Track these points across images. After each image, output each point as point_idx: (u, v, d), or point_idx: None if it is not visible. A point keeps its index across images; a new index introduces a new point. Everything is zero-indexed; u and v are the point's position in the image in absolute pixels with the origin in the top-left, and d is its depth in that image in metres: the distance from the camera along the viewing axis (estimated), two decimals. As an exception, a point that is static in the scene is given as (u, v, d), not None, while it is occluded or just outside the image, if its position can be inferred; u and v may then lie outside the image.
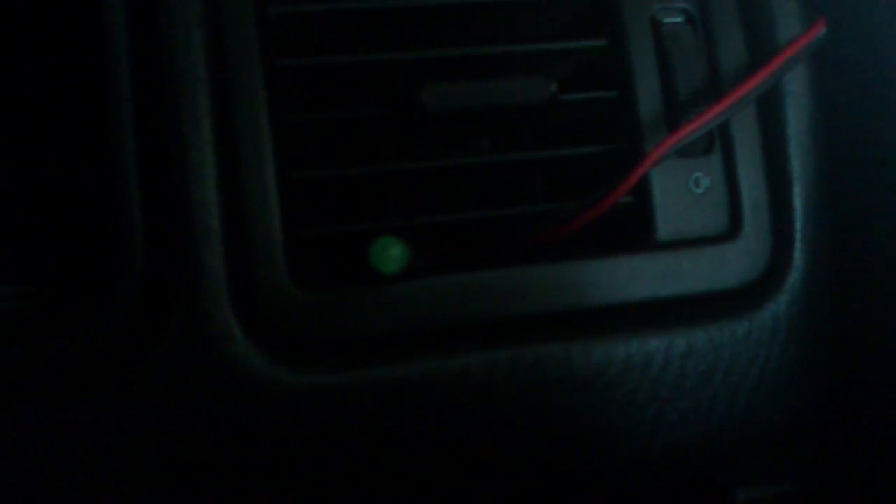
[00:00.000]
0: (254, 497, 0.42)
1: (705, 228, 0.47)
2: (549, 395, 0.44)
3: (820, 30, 0.46)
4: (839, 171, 0.49)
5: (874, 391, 0.51)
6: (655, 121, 0.46)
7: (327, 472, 0.43)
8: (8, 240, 0.45)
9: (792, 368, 0.48)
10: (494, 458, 0.45)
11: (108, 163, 0.41)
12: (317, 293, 0.42)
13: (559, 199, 0.47)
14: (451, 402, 0.43)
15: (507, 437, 0.44)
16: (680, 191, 0.47)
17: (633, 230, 0.47)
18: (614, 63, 0.47)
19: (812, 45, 0.46)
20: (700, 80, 0.47)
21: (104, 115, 0.41)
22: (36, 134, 0.46)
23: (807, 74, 0.48)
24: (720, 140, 0.47)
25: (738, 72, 0.47)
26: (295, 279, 0.42)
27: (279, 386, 0.42)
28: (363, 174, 0.45)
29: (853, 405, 0.51)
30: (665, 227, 0.47)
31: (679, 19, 0.48)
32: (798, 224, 0.48)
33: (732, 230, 0.47)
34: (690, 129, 0.44)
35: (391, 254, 0.38)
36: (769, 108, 0.48)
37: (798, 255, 0.48)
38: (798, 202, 0.48)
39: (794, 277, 0.47)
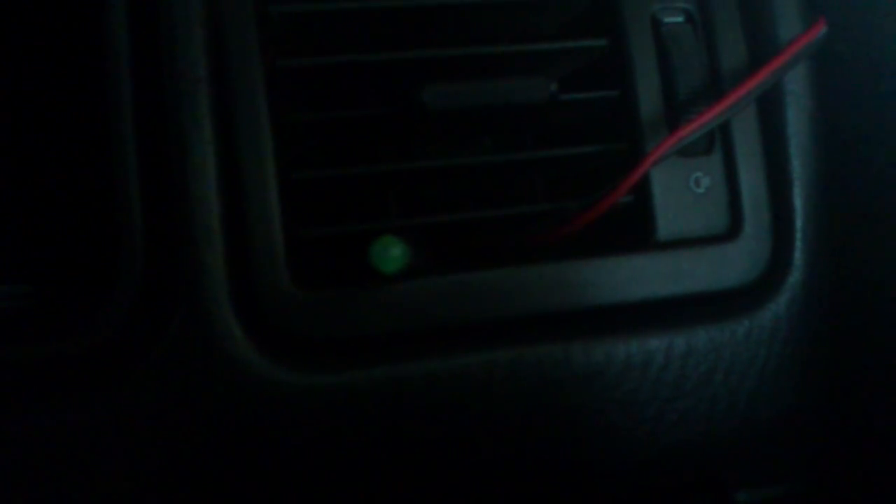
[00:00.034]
0: (254, 497, 0.42)
1: (705, 228, 0.47)
2: (549, 395, 0.44)
3: (820, 29, 0.46)
4: (839, 171, 0.49)
5: (874, 391, 0.51)
6: (656, 120, 0.46)
7: (327, 472, 0.43)
8: (8, 240, 0.45)
9: (792, 368, 0.48)
10: (494, 457, 0.45)
11: (109, 163, 0.41)
12: (317, 293, 0.42)
13: (559, 199, 0.47)
14: (451, 403, 0.43)
15: (507, 437, 0.44)
16: (680, 191, 0.47)
17: (634, 230, 0.47)
18: (614, 63, 0.47)
19: (812, 44, 0.46)
20: (700, 80, 0.47)
21: (105, 115, 0.41)
22: (36, 134, 0.46)
23: (807, 74, 0.48)
24: (720, 140, 0.47)
25: (738, 71, 0.47)
26: (295, 279, 0.42)
27: (279, 386, 0.42)
28: (363, 174, 0.44)
29: (853, 405, 0.51)
30: (665, 226, 0.47)
31: (679, 19, 0.48)
32: (798, 224, 0.48)
33: (733, 230, 0.47)
34: (691, 129, 0.44)
35: (391, 254, 0.38)
36: (769, 107, 0.48)
37: (798, 255, 0.48)
38: (798, 202, 0.48)
39: (794, 277, 0.47)
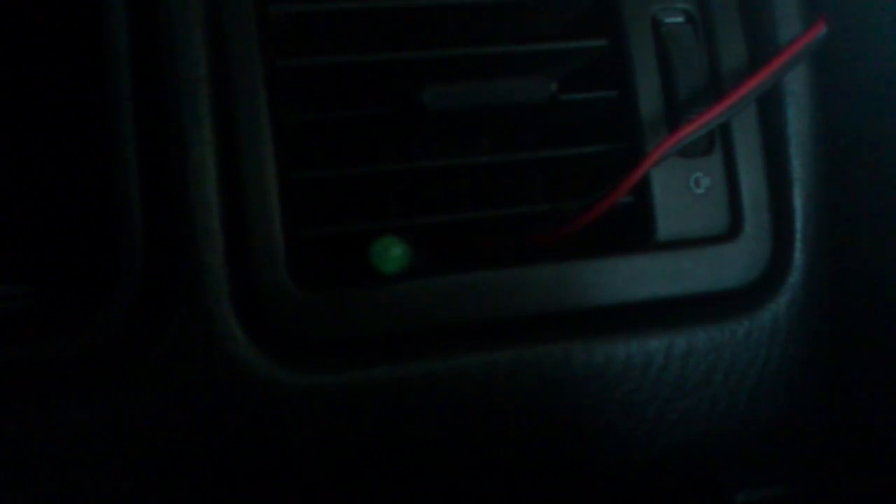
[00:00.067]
0: (254, 497, 0.42)
1: (705, 228, 0.47)
2: (550, 395, 0.44)
3: (820, 30, 0.46)
4: (839, 171, 0.49)
5: (874, 391, 0.51)
6: (656, 121, 0.46)
7: (327, 472, 0.43)
8: (8, 240, 0.45)
9: (792, 368, 0.48)
10: (494, 457, 0.45)
11: (109, 162, 0.41)
12: (317, 293, 0.42)
13: (559, 199, 0.47)
14: (451, 403, 0.43)
15: (507, 437, 0.44)
16: (680, 191, 0.47)
17: (634, 230, 0.47)
18: (615, 63, 0.47)
19: (812, 45, 0.46)
20: (700, 80, 0.47)
21: (105, 115, 0.41)
22: (36, 134, 0.46)
23: (807, 74, 0.48)
24: (720, 140, 0.47)
25: (738, 72, 0.47)
26: (296, 279, 0.42)
27: (280, 386, 0.42)
28: (364, 174, 0.44)
29: (853, 405, 0.51)
30: (665, 227, 0.47)
31: (680, 19, 0.48)
32: (798, 224, 0.48)
33: (733, 230, 0.47)
34: (691, 129, 0.44)
35: (392, 254, 0.38)
36: (769, 108, 0.48)
37: (798, 255, 0.48)
38: (798, 202, 0.48)
39: (794, 277, 0.47)
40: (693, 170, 0.47)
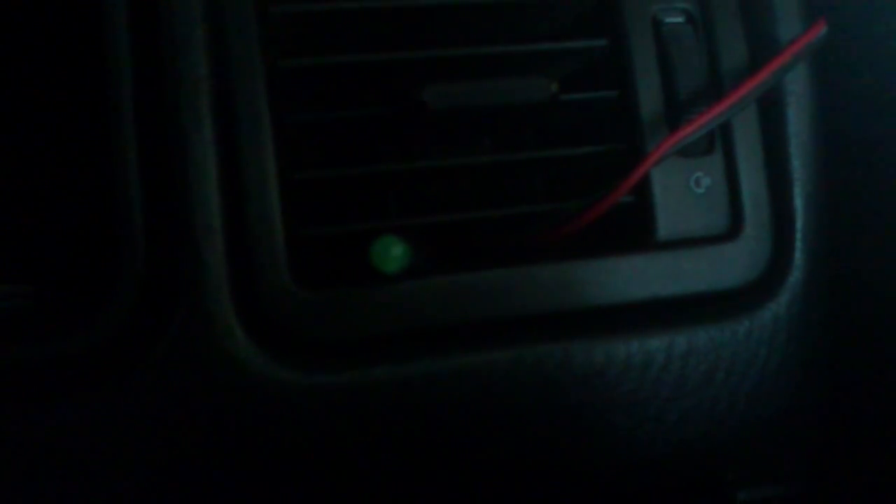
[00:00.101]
0: (255, 497, 0.42)
1: (706, 228, 0.47)
2: (550, 394, 0.44)
3: (821, 29, 0.46)
4: (839, 171, 0.49)
5: (874, 391, 0.51)
6: (656, 120, 0.46)
7: (328, 472, 0.43)
8: (8, 240, 0.44)
9: (792, 368, 0.48)
10: (495, 457, 0.45)
11: (109, 162, 0.41)
12: (318, 292, 0.42)
13: (559, 199, 0.47)
14: (451, 402, 0.43)
15: (508, 437, 0.44)
16: (680, 191, 0.47)
17: (634, 230, 0.47)
18: (615, 63, 0.47)
19: (813, 44, 0.46)
20: (701, 80, 0.47)
21: (105, 115, 0.41)
22: (37, 133, 0.46)
23: (807, 74, 0.48)
24: (721, 140, 0.47)
25: (738, 72, 0.47)
26: (296, 278, 0.42)
27: (280, 385, 0.42)
28: (364, 174, 0.44)
29: (853, 405, 0.51)
30: (666, 226, 0.47)
31: (680, 19, 0.48)
32: (799, 224, 0.48)
33: (733, 230, 0.47)
34: (691, 129, 0.44)
35: (392, 253, 0.38)
36: (770, 107, 0.48)
37: (798, 255, 0.48)
38: (799, 202, 0.48)
39: (794, 277, 0.47)
40: (693, 169, 0.47)
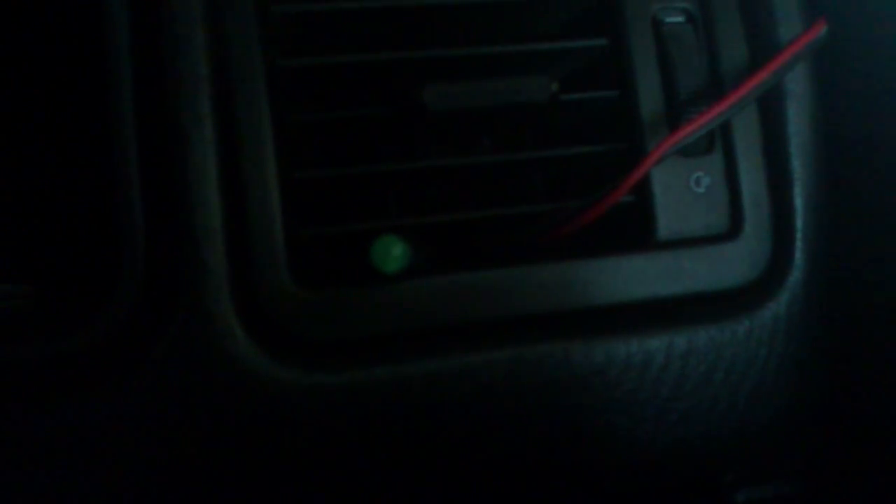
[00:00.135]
0: (255, 496, 0.42)
1: (706, 228, 0.47)
2: (550, 394, 0.44)
3: (821, 29, 0.46)
4: (839, 171, 0.49)
5: (874, 390, 0.51)
6: (656, 120, 0.47)
7: (328, 471, 0.43)
8: (8, 240, 0.45)
9: (792, 368, 0.48)
10: (494, 457, 0.45)
11: (110, 162, 0.41)
12: (318, 292, 0.42)
13: (559, 199, 0.47)
14: (451, 402, 0.44)
15: (508, 437, 0.44)
16: (681, 190, 0.47)
17: (634, 230, 0.47)
18: (615, 63, 0.47)
19: (813, 44, 0.46)
20: (701, 80, 0.47)
21: (106, 115, 0.41)
22: (37, 133, 0.46)
23: (807, 74, 0.48)
24: (721, 139, 0.47)
25: (739, 71, 0.47)
26: (296, 278, 0.42)
27: (280, 385, 0.42)
28: (364, 174, 0.45)
29: (853, 404, 0.51)
30: (666, 226, 0.47)
31: (680, 19, 0.48)
32: (798, 223, 0.48)
33: (733, 230, 0.47)
34: (691, 129, 0.44)
35: (392, 253, 0.38)
36: (770, 107, 0.48)
37: (798, 255, 0.48)
38: (799, 202, 0.48)
39: (794, 277, 0.47)
40: (693, 169, 0.47)
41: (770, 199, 0.48)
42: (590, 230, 0.44)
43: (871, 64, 0.50)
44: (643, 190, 0.47)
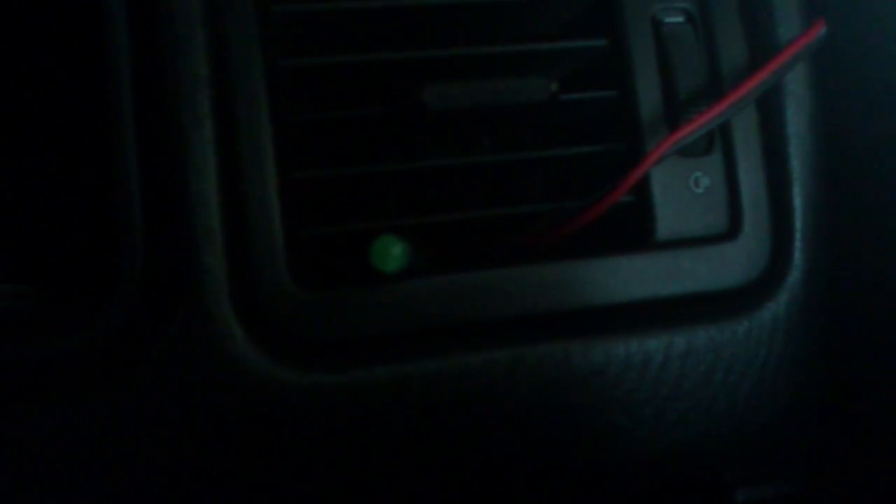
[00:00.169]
0: (254, 496, 0.42)
1: (705, 228, 0.47)
2: (549, 394, 0.44)
3: (820, 29, 0.46)
4: (839, 170, 0.49)
5: (874, 390, 0.51)
6: (656, 120, 0.47)
7: (328, 471, 0.43)
8: (8, 240, 0.45)
9: (791, 368, 0.48)
10: (494, 457, 0.45)
11: (109, 162, 0.41)
12: (317, 292, 0.42)
13: (559, 199, 0.47)
14: (451, 402, 0.44)
15: (507, 437, 0.44)
16: (680, 190, 0.47)
17: (633, 230, 0.47)
18: (615, 63, 0.47)
19: (812, 44, 0.46)
20: (700, 80, 0.47)
21: (105, 115, 0.41)
22: (37, 133, 0.46)
23: (807, 74, 0.48)
24: (720, 140, 0.47)
25: (738, 71, 0.47)
26: (296, 278, 0.42)
27: (280, 385, 0.42)
28: (364, 174, 0.45)
29: (853, 405, 0.51)
30: (665, 226, 0.47)
31: (680, 19, 0.48)
32: (798, 223, 0.48)
33: (732, 230, 0.47)
34: (691, 129, 0.44)
35: (392, 253, 0.38)
36: (769, 107, 0.48)
37: (798, 255, 0.48)
38: (798, 202, 0.48)
39: (793, 277, 0.48)
40: (693, 169, 0.47)
41: (769, 200, 0.48)
42: (589, 230, 0.44)
43: (870, 64, 0.50)
44: (642, 190, 0.47)
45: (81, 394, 0.40)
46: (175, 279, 0.41)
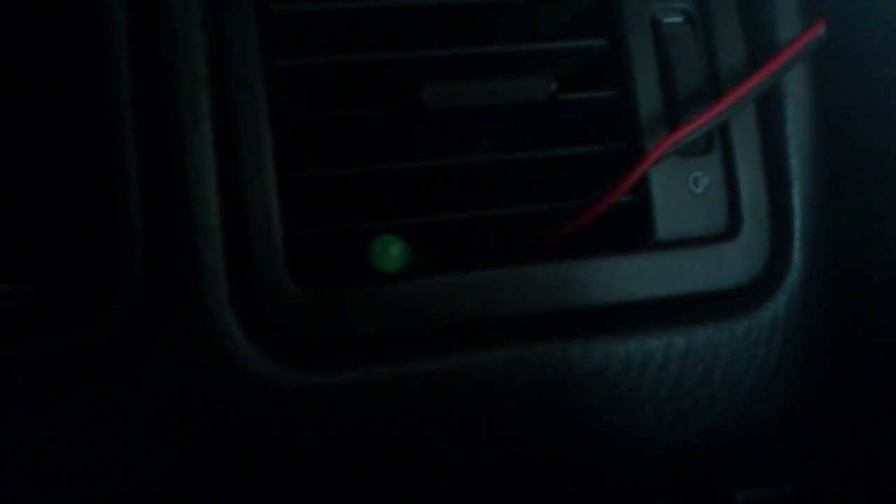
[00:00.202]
0: (254, 496, 0.42)
1: (705, 228, 0.47)
2: (549, 394, 0.44)
3: (820, 29, 0.46)
4: (839, 170, 0.49)
5: (873, 390, 0.51)
6: (655, 120, 0.47)
7: (327, 471, 0.43)
8: (8, 240, 0.45)
9: (791, 368, 0.48)
10: (494, 457, 0.45)
11: (109, 162, 0.41)
12: (317, 292, 0.42)
13: (559, 199, 0.47)
14: (451, 402, 0.44)
15: (507, 437, 0.44)
16: (679, 190, 0.47)
17: (633, 230, 0.47)
18: (614, 63, 0.47)
19: (812, 44, 0.46)
20: (700, 80, 0.47)
21: (104, 114, 0.41)
22: (36, 133, 0.46)
23: (807, 74, 0.48)
24: (720, 140, 0.47)
25: (737, 72, 0.47)
26: (295, 278, 0.42)
27: (279, 384, 0.42)
28: (363, 174, 0.45)
29: (852, 404, 0.51)
30: (664, 226, 0.47)
31: (679, 19, 0.48)
32: (797, 223, 0.48)
33: (732, 230, 0.47)
34: (690, 129, 0.44)
35: (391, 253, 0.38)
36: (769, 107, 0.48)
37: (797, 255, 0.48)
38: (797, 202, 0.48)
39: (793, 277, 0.48)
40: (692, 169, 0.47)
41: (769, 200, 0.48)
42: (589, 230, 0.45)
43: (870, 64, 0.50)
44: (642, 190, 0.47)
45: (81, 394, 0.40)
46: (175, 279, 0.41)
